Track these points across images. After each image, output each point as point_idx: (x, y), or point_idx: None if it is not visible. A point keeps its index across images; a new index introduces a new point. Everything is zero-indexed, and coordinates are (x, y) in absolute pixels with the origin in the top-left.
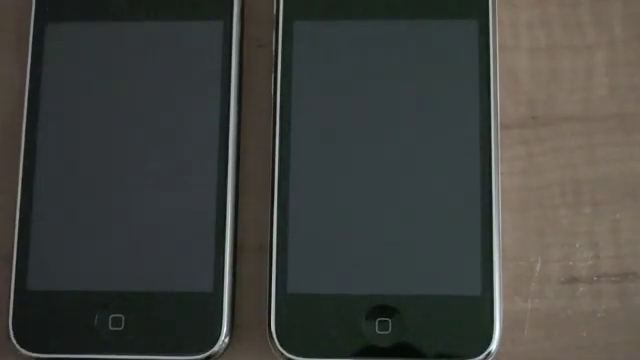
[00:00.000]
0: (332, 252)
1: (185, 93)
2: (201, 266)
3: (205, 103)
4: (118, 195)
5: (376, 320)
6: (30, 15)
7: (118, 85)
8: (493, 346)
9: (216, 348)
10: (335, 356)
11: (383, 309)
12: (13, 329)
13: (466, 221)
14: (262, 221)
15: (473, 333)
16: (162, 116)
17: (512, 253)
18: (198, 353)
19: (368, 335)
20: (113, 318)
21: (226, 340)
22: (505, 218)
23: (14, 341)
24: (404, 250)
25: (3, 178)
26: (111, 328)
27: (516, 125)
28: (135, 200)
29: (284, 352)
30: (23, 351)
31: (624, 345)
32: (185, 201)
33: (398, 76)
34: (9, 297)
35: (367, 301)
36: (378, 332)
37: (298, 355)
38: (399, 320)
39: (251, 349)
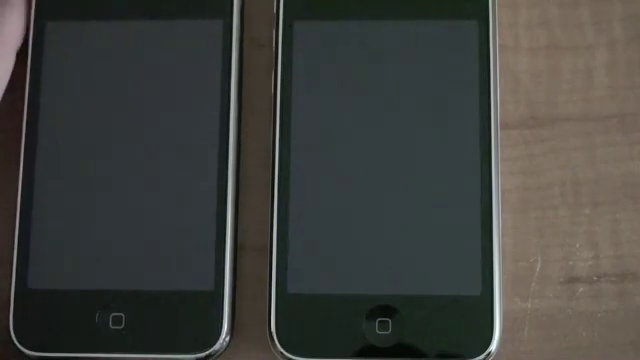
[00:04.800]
0: (332, 252)
1: (185, 93)
2: (202, 265)
3: (205, 103)
4: (118, 194)
5: (376, 320)
6: (30, 14)
7: (118, 84)
8: (493, 346)
9: (217, 347)
10: (335, 356)
11: (383, 309)
12: (14, 328)
13: (466, 221)
14: (262, 221)
15: (473, 333)
16: (162, 116)
17: (512, 253)
18: (199, 351)
19: (368, 335)
20: (114, 317)
21: (227, 339)
22: (505, 218)
23: (15, 340)
24: (404, 250)
25: (3, 178)
26: (112, 327)
27: (516, 125)
28: (135, 199)
29: (284, 352)
30: (24, 350)
31: (624, 345)
32: (185, 200)
33: (398, 76)
34: (10, 296)
35: (367, 301)
36: (378, 332)
37: (298, 355)
38: (399, 320)
39: (251, 348)
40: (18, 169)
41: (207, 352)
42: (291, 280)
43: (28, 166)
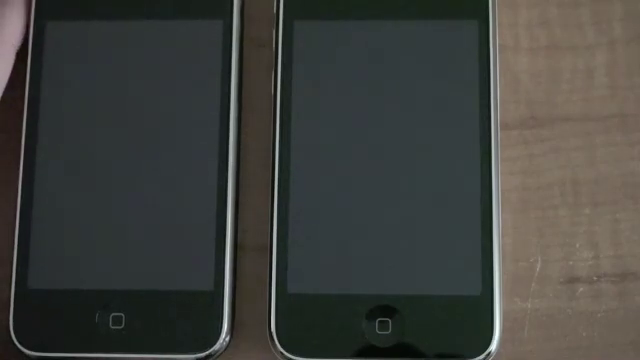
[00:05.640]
0: (332, 252)
1: (185, 92)
2: (202, 264)
3: (205, 103)
4: (118, 194)
5: (376, 320)
6: (30, 14)
7: (118, 84)
8: (493, 346)
9: (217, 347)
10: (335, 356)
11: (383, 309)
12: (14, 328)
13: (466, 221)
14: (262, 220)
15: (473, 333)
16: (162, 115)
17: (512, 253)
18: (199, 351)
19: (368, 335)
20: (114, 317)
21: (227, 339)
22: (505, 218)
23: (15, 340)
24: (404, 250)
25: (3, 178)
26: (112, 327)
27: (516, 125)
28: (135, 199)
29: (284, 352)
30: (24, 350)
31: (624, 345)
32: (185, 200)
33: (398, 76)
34: (10, 296)
35: (367, 301)
36: (378, 332)
37: (298, 355)
38: (399, 320)
39: (251, 348)
40: (18, 169)
41: (207, 352)
42: (291, 280)
43: (28, 166)
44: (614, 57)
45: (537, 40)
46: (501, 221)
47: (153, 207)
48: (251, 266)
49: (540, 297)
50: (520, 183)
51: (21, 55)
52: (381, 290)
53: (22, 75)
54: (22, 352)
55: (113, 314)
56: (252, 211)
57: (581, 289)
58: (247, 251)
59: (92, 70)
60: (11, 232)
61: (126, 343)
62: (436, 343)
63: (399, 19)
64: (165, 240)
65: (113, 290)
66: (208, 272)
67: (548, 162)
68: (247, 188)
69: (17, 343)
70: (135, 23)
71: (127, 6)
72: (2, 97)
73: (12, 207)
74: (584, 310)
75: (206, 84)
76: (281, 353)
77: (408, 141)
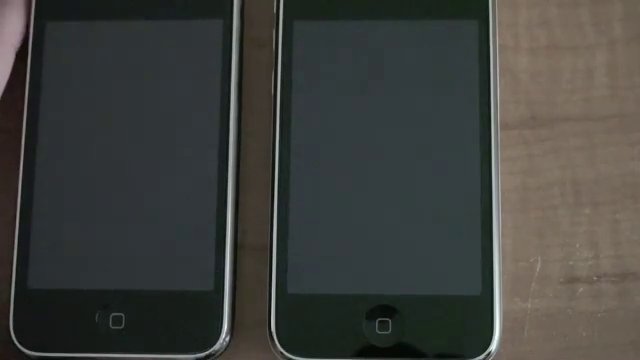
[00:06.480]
0: (332, 252)
1: (185, 92)
2: (202, 264)
3: (205, 102)
4: (118, 194)
5: (376, 320)
6: (30, 14)
7: (118, 84)
8: (493, 346)
9: (217, 347)
10: (335, 356)
11: (383, 309)
12: (14, 328)
13: (466, 221)
14: (262, 220)
15: (473, 333)
16: (162, 115)
17: (512, 253)
18: (199, 352)
19: (368, 335)
20: (114, 317)
21: (227, 339)
22: (505, 218)
23: (15, 340)
24: (404, 250)
25: (3, 178)
26: (112, 327)
27: (516, 125)
28: (135, 199)
29: (284, 352)
30: (24, 350)
31: (624, 345)
32: (185, 200)
33: (398, 76)
34: (10, 296)
35: (367, 301)
36: (378, 332)
37: (298, 355)
38: (399, 320)
39: (251, 348)
40: (18, 169)
41: (207, 352)
42: (291, 280)
43: (28, 166)
44: (614, 57)
45: (537, 40)
46: (501, 221)
47: (153, 207)
48: (251, 266)
49: (540, 297)
50: (520, 183)
51: (21, 55)
52: (381, 290)
53: (22, 75)
54: (22, 352)
55: (113, 314)
56: (252, 211)
57: (581, 289)
58: (247, 251)
59: (92, 70)
60: (11, 232)
61: (126, 343)
62: (436, 343)
63: (399, 19)
64: (165, 240)
65: (113, 290)
66: (208, 272)
67: (548, 162)
68: (247, 188)
69: (17, 343)
70: (135, 23)
71: (127, 6)
72: (2, 97)
73: (12, 207)
74: (584, 310)
75: (206, 84)
76: (281, 353)
77: (408, 141)
